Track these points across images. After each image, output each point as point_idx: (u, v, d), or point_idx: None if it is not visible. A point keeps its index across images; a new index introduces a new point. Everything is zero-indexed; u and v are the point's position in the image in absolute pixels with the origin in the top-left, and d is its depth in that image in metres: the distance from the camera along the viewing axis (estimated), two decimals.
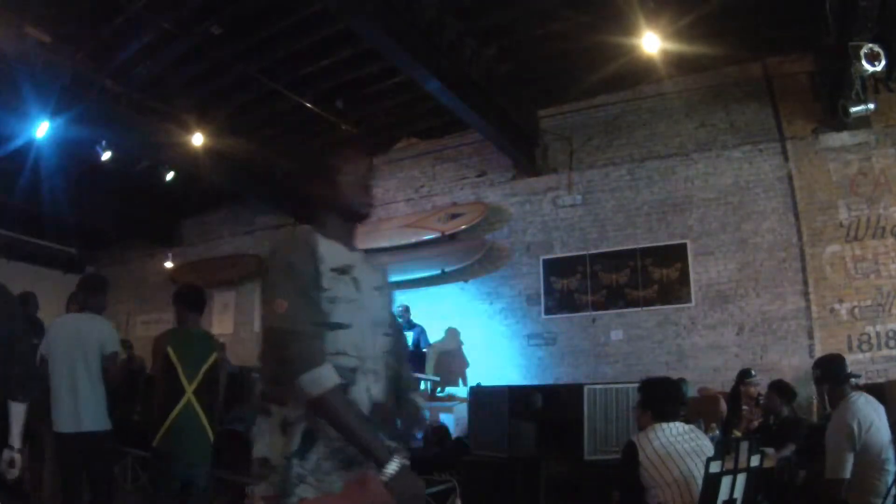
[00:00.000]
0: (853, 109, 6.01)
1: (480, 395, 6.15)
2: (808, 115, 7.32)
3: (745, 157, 7.58)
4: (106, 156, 8.48)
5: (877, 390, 4.94)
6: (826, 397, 3.97)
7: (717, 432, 4.79)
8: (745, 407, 5.34)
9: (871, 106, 5.99)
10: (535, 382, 7.93)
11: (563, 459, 4.99)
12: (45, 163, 8.78)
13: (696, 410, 5.52)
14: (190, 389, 3.58)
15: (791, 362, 6.88)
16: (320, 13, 6.53)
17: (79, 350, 3.84)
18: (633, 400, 3.57)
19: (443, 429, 6.60)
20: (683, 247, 7.70)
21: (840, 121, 6.74)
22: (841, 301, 6.83)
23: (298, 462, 1.52)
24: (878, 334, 6.62)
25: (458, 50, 6.99)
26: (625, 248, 8.04)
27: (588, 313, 8.11)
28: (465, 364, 8.81)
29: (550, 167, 8.78)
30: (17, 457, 2.88)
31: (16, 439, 2.88)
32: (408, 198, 9.91)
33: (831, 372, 3.78)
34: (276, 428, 1.57)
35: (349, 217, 1.95)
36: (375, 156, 10.15)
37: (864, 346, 6.64)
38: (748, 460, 2.88)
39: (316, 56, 7.46)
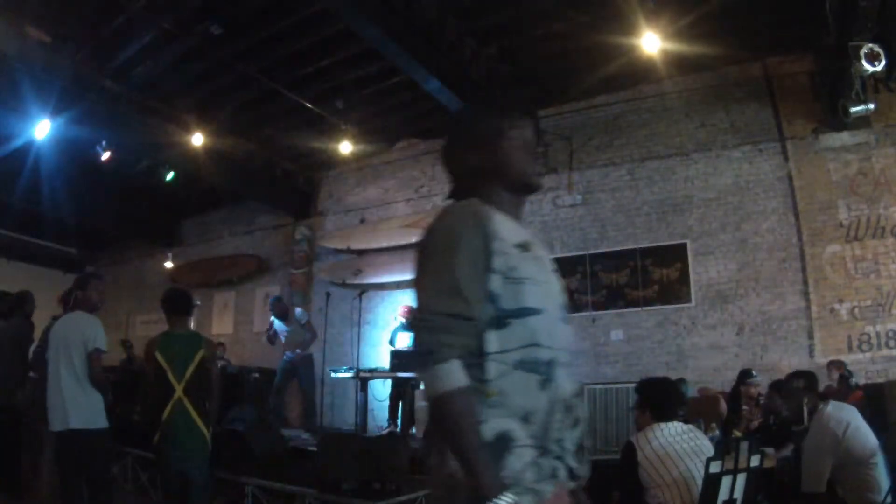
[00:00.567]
0: (853, 109, 6.01)
1: None
2: (808, 115, 7.32)
3: (745, 157, 7.58)
4: (106, 156, 8.48)
5: (877, 390, 4.95)
6: (805, 410, 3.98)
7: (717, 432, 4.79)
8: (745, 407, 5.34)
9: (871, 106, 5.98)
10: None
11: None
12: (45, 163, 8.78)
13: (696, 410, 5.52)
14: (179, 388, 3.75)
15: (791, 362, 6.87)
16: (320, 13, 6.54)
17: (63, 349, 3.90)
18: (633, 400, 3.56)
19: None
20: (683, 247, 7.70)
21: (840, 121, 6.74)
22: (841, 301, 6.83)
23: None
24: (878, 334, 6.62)
25: (458, 50, 6.99)
26: (625, 248, 8.04)
27: (588, 313, 8.11)
28: None
29: (550, 167, 8.78)
30: None
31: None
32: (408, 198, 9.91)
33: (814, 385, 3.79)
34: None
35: (518, 190, 1.61)
36: (375, 156, 10.17)
37: (864, 346, 6.64)
38: (748, 460, 2.89)
39: (316, 56, 7.47)
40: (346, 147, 8.81)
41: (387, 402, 7.78)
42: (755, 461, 2.96)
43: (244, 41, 7.12)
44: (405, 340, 8.09)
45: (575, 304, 8.24)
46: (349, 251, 10.09)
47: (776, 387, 4.91)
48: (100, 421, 3.92)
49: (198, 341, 3.99)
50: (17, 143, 8.03)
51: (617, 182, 8.27)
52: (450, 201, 1.56)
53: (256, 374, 9.38)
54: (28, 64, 6.72)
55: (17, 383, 4.92)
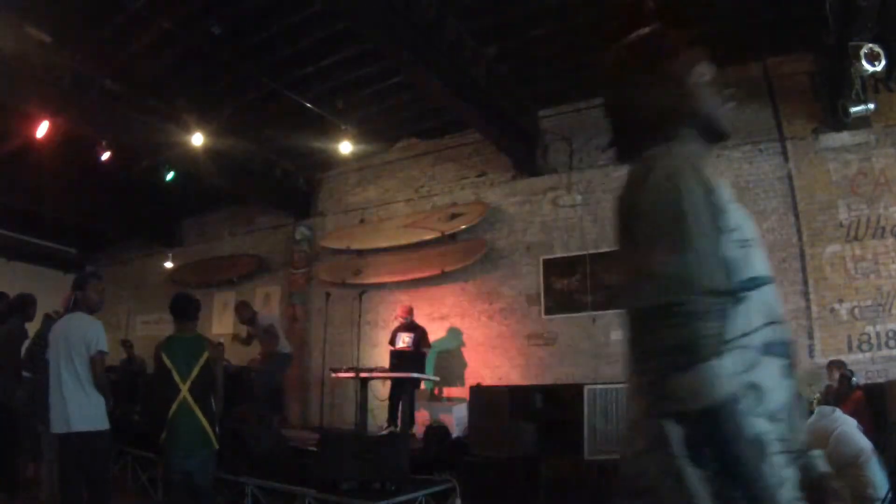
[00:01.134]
0: (853, 109, 6.01)
1: (480, 395, 6.17)
2: (808, 115, 7.32)
3: (745, 157, 7.57)
4: (106, 156, 8.48)
5: (877, 390, 4.95)
6: None
7: None
8: None
9: (871, 106, 5.98)
10: (535, 382, 7.93)
11: (563, 459, 5.00)
12: (45, 163, 8.79)
13: None
14: (185, 388, 3.87)
15: None
16: (320, 13, 6.54)
17: (64, 351, 3.93)
18: None
19: (443, 429, 6.61)
20: None
21: (840, 121, 6.73)
22: (841, 301, 6.83)
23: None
24: (878, 334, 6.62)
25: (458, 50, 6.98)
26: None
27: (588, 313, 8.10)
28: (464, 364, 8.81)
29: (550, 167, 8.78)
30: None
31: None
32: (408, 198, 9.91)
33: None
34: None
35: (711, 136, 1.31)
36: (375, 156, 10.18)
37: (864, 346, 6.64)
38: None
39: (316, 56, 7.47)
40: (346, 147, 8.82)
41: (387, 402, 7.78)
42: None
43: (244, 41, 7.12)
44: (405, 340, 8.09)
45: (575, 304, 8.24)
46: (349, 251, 10.09)
47: None
48: (101, 422, 3.96)
49: (203, 344, 4.10)
50: (17, 143, 8.04)
51: (617, 182, 8.20)
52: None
53: (255, 374, 9.38)
54: (28, 64, 6.72)
55: (15, 384, 4.92)
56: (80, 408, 3.85)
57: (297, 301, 10.48)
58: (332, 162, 10.25)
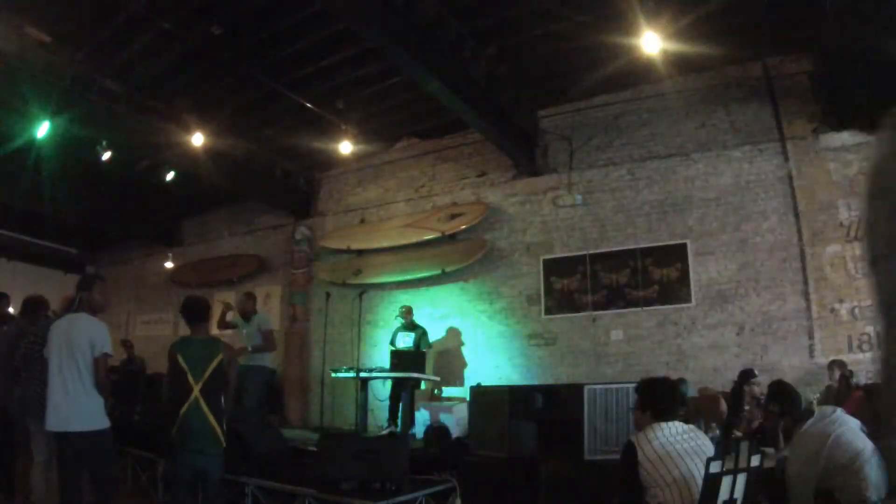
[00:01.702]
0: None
1: (480, 395, 6.15)
2: (808, 115, 7.32)
3: (745, 157, 7.58)
4: (106, 156, 8.48)
5: (877, 390, 4.94)
6: (781, 431, 3.98)
7: (717, 432, 4.79)
8: (747, 407, 5.33)
9: None
10: (535, 382, 7.93)
11: (563, 459, 4.99)
12: (46, 163, 8.79)
13: (697, 410, 5.53)
14: (196, 388, 3.92)
15: (791, 362, 6.88)
16: (320, 13, 6.54)
17: (67, 351, 3.94)
18: (633, 400, 3.56)
19: (443, 429, 6.60)
20: (683, 247, 7.70)
21: (840, 121, 6.73)
22: (841, 301, 6.83)
23: None
24: (878, 334, 6.60)
25: (458, 50, 6.99)
26: (625, 248, 8.04)
27: (588, 313, 8.11)
28: (464, 364, 8.82)
29: (550, 167, 8.78)
30: None
31: None
32: (408, 198, 9.91)
33: (789, 407, 3.78)
34: None
35: None
36: (375, 156, 10.18)
37: (865, 346, 6.64)
38: (748, 460, 2.88)
39: (316, 56, 7.47)
40: (346, 147, 8.82)
41: (387, 402, 7.78)
42: (755, 461, 2.95)
43: (244, 41, 7.12)
44: (405, 340, 8.09)
45: (575, 304, 8.24)
46: (349, 251, 10.09)
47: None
48: (102, 421, 4.00)
49: (217, 346, 4.14)
50: (17, 143, 8.03)
51: (617, 182, 8.27)
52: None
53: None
54: (28, 64, 6.72)
55: (12, 384, 4.91)
56: (80, 408, 3.88)
57: (297, 301, 10.48)
58: (332, 162, 10.25)
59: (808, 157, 7.26)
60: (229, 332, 7.60)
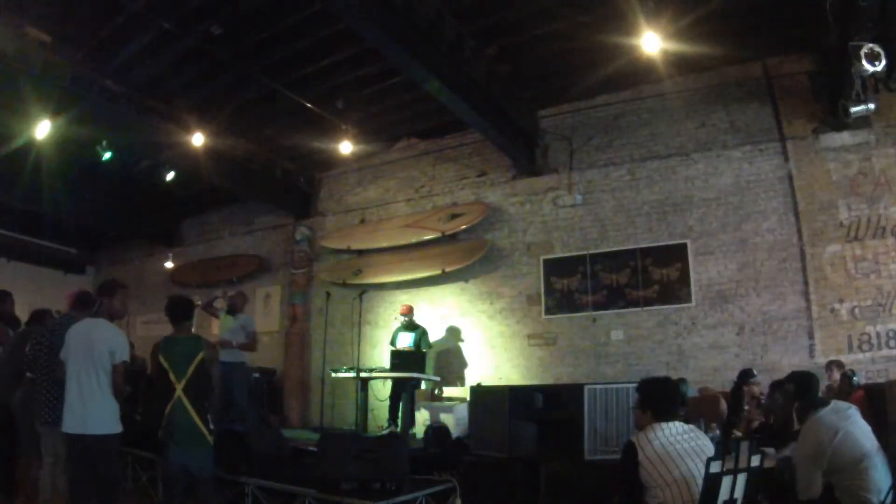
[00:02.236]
0: (853, 109, 6.00)
1: (480, 395, 6.16)
2: (808, 115, 7.32)
3: (746, 157, 7.58)
4: (106, 156, 8.47)
5: (877, 390, 4.94)
6: (795, 413, 3.99)
7: (718, 432, 4.79)
8: (746, 407, 5.33)
9: (872, 106, 5.97)
10: (535, 382, 7.94)
11: (563, 459, 4.99)
12: (46, 163, 8.78)
13: (697, 410, 5.52)
14: (179, 387, 3.97)
15: (791, 362, 6.87)
16: (320, 13, 6.54)
17: (86, 355, 4.01)
18: (633, 400, 3.56)
19: (443, 429, 6.60)
20: (683, 247, 7.70)
21: (840, 121, 6.74)
22: (841, 301, 6.83)
23: None
24: (878, 334, 6.62)
25: (458, 50, 6.99)
26: (625, 248, 8.04)
27: (588, 313, 8.11)
28: (465, 364, 8.82)
29: (550, 167, 8.78)
30: None
31: None
32: (408, 198, 9.91)
33: (805, 390, 3.79)
34: None
35: None
36: (375, 156, 10.18)
37: (865, 346, 6.63)
38: (748, 460, 2.88)
39: (316, 56, 7.47)
40: (346, 147, 8.81)
41: (387, 402, 7.78)
42: (755, 461, 2.95)
43: (244, 41, 7.12)
44: (405, 340, 8.09)
45: (575, 304, 8.24)
46: (349, 251, 10.09)
47: (776, 387, 4.92)
48: (116, 426, 4.08)
49: (198, 344, 4.15)
50: (17, 143, 8.03)
51: (617, 182, 8.27)
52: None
53: (256, 375, 9.38)
54: (28, 64, 6.71)
55: (16, 384, 4.91)
56: (98, 411, 3.97)
57: (297, 301, 10.48)
58: (332, 162, 10.25)
59: (808, 157, 7.26)
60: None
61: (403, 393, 7.56)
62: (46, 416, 4.31)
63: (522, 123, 8.57)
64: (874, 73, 5.35)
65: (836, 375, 6.03)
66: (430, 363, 8.34)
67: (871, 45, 5.17)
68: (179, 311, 4.26)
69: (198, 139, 8.37)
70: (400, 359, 7.59)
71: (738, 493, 2.81)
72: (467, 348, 8.86)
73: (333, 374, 7.90)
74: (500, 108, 7.90)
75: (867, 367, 6.49)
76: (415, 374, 7.47)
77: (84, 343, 4.04)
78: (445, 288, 9.18)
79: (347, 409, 8.64)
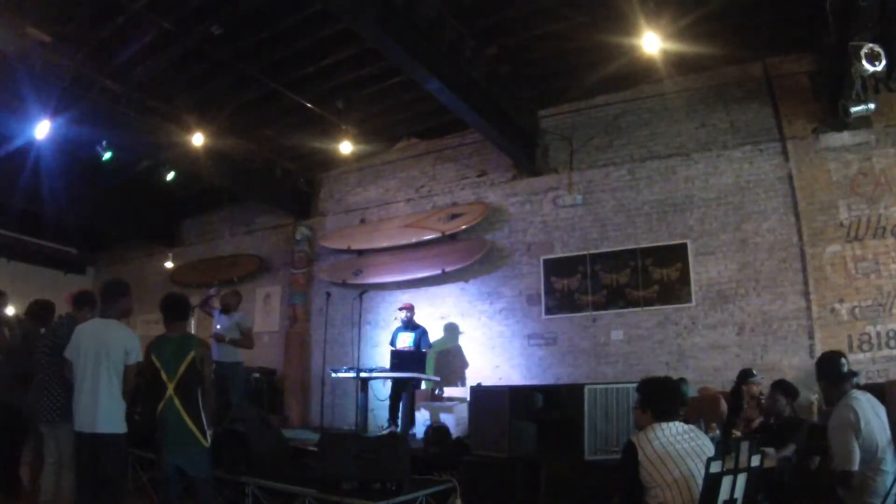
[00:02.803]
0: (853, 109, 6.00)
1: (480, 395, 6.16)
2: (808, 115, 7.32)
3: (746, 157, 7.58)
4: (106, 156, 8.47)
5: (877, 390, 4.94)
6: (823, 394, 4.00)
7: (718, 432, 4.79)
8: (746, 406, 5.33)
9: (872, 106, 5.97)
10: (536, 382, 7.94)
11: (563, 459, 4.99)
12: (45, 163, 8.78)
13: (697, 410, 5.52)
14: (171, 386, 3.97)
15: (791, 362, 6.88)
16: (320, 13, 6.54)
17: (96, 354, 4.03)
18: (633, 400, 3.56)
19: (443, 429, 6.60)
20: (684, 247, 7.70)
21: (840, 121, 6.73)
22: (841, 301, 6.83)
23: None
24: (878, 334, 6.62)
25: (458, 50, 6.99)
26: (625, 248, 8.04)
27: (588, 313, 8.10)
28: (465, 364, 8.81)
29: (550, 167, 8.79)
30: None
31: None
32: (408, 198, 9.91)
33: (826, 370, 3.79)
34: None
35: None
36: (375, 156, 10.19)
37: (865, 346, 6.63)
38: (748, 460, 2.88)
39: (316, 56, 7.47)
40: (346, 147, 8.81)
41: (387, 402, 7.78)
42: (755, 461, 2.95)
43: (244, 41, 7.12)
44: (405, 340, 8.08)
45: (575, 303, 8.24)
46: (349, 251, 10.09)
47: (780, 386, 4.92)
48: (122, 426, 4.10)
49: (190, 343, 4.15)
50: (17, 143, 8.03)
51: (617, 182, 8.27)
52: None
53: (257, 374, 9.39)
54: (28, 64, 6.71)
55: (17, 384, 4.92)
56: (108, 412, 3.99)
57: (297, 301, 10.48)
58: (332, 162, 10.25)
59: (808, 157, 7.26)
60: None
61: (403, 393, 7.56)
62: (48, 416, 4.32)
63: (522, 123, 8.57)
64: (874, 73, 5.35)
65: None
66: (430, 363, 8.33)
67: (871, 45, 5.17)
68: (174, 310, 4.26)
69: (198, 139, 8.37)
70: (400, 359, 7.59)
71: (738, 493, 2.81)
72: (467, 348, 8.86)
73: (333, 374, 7.90)
74: (500, 108, 7.90)
75: (867, 367, 6.49)
76: (415, 374, 7.47)
77: (96, 343, 4.06)
78: (445, 288, 9.18)
79: (347, 409, 8.63)
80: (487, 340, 8.74)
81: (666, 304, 7.68)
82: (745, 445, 2.89)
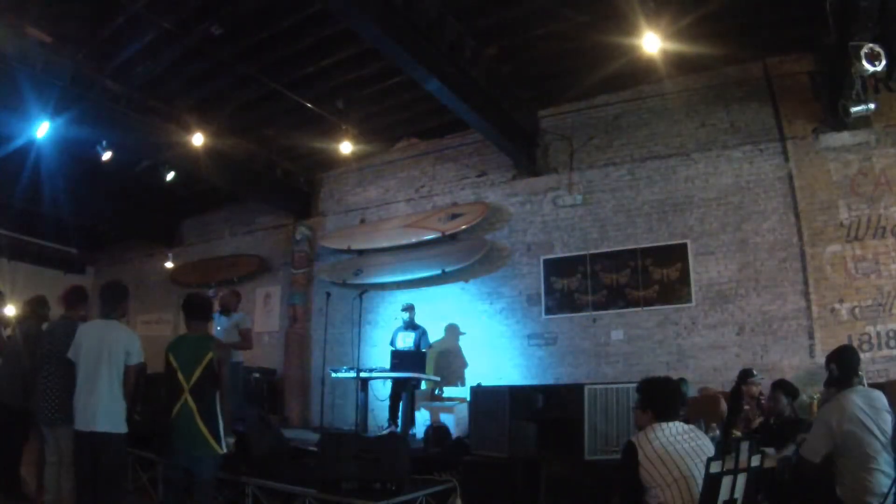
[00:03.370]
0: (853, 109, 6.00)
1: (480, 395, 6.15)
2: (808, 115, 7.32)
3: (746, 157, 7.58)
4: (106, 156, 8.48)
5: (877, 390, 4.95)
6: (826, 379, 4.01)
7: (718, 432, 4.79)
8: (746, 406, 5.33)
9: (872, 106, 5.97)
10: (536, 382, 7.93)
11: (563, 459, 4.99)
12: (45, 163, 8.78)
13: (697, 410, 5.52)
14: (187, 388, 3.91)
15: (791, 362, 6.88)
16: (320, 13, 6.54)
17: (97, 355, 4.06)
18: (634, 400, 3.56)
19: (443, 429, 6.61)
20: (684, 247, 7.70)
21: (840, 121, 6.74)
22: (841, 301, 6.83)
23: None
24: (878, 334, 6.62)
25: (458, 50, 6.99)
26: (625, 248, 8.04)
27: (588, 313, 8.10)
28: (465, 364, 8.81)
29: (550, 167, 8.78)
30: None
31: None
32: (408, 198, 9.91)
33: (844, 357, 3.77)
34: None
35: None
36: (375, 156, 10.18)
37: (865, 346, 6.63)
38: (748, 460, 2.88)
39: (316, 56, 7.47)
40: (346, 147, 8.81)
41: (387, 402, 7.78)
42: (755, 461, 2.95)
43: (244, 41, 7.12)
44: (406, 340, 8.09)
45: (575, 303, 8.24)
46: (349, 251, 10.09)
47: (781, 386, 4.92)
48: (122, 426, 4.11)
49: (208, 344, 4.10)
50: (17, 143, 8.03)
51: (617, 182, 8.27)
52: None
53: (257, 374, 9.39)
54: (28, 64, 6.71)
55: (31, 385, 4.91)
56: (108, 411, 4.01)
57: (297, 301, 10.47)
58: (332, 162, 10.25)
59: (808, 157, 7.26)
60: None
61: (403, 393, 7.56)
62: (48, 417, 4.32)
63: (522, 123, 8.57)
64: (874, 73, 5.35)
65: None
66: (430, 363, 8.33)
67: (871, 45, 5.17)
68: (195, 310, 4.21)
69: (198, 139, 8.37)
70: (400, 359, 7.59)
71: (738, 493, 2.81)
72: (467, 348, 8.86)
73: (333, 374, 7.90)
74: (500, 107, 7.90)
75: (867, 367, 6.47)
76: (415, 374, 7.47)
77: (98, 343, 4.08)
78: (445, 288, 9.18)
79: (347, 409, 8.63)
80: (487, 340, 8.74)
81: (666, 304, 7.68)
82: (745, 445, 2.89)
